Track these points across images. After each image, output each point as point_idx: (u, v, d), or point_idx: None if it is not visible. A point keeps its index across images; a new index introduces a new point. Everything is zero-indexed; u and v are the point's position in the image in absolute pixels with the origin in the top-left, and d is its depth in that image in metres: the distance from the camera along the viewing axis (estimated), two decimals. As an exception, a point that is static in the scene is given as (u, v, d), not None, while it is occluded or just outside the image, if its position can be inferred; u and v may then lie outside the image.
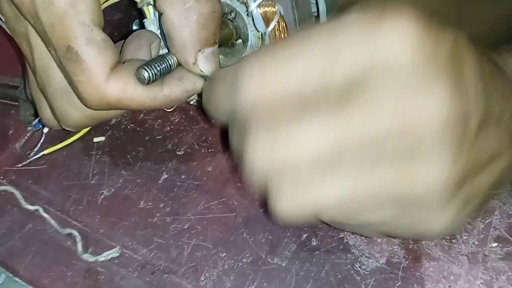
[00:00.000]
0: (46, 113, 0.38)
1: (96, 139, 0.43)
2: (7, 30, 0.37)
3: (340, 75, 0.24)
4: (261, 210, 0.38)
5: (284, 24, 0.36)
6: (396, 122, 0.24)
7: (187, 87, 0.34)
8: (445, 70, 0.24)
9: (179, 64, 0.34)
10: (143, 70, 0.32)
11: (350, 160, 0.25)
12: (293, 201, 0.26)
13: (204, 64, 0.33)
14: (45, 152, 0.42)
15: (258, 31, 0.36)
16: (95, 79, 0.32)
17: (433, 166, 0.24)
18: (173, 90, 0.34)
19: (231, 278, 0.35)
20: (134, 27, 0.39)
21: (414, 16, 0.24)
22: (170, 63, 0.34)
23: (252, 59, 0.26)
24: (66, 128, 0.38)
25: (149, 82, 0.33)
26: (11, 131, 0.44)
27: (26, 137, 0.43)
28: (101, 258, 0.36)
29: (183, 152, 0.42)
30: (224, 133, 0.30)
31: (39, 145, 0.42)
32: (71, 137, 0.42)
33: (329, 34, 0.24)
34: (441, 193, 0.25)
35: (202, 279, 0.35)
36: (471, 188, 0.27)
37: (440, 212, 0.26)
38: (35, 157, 0.42)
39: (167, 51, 0.35)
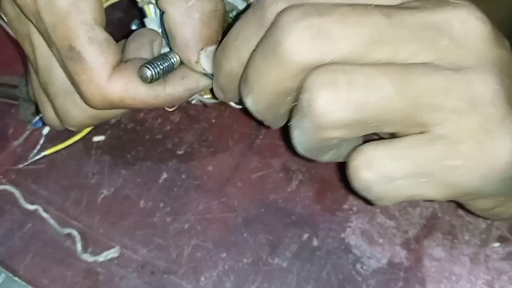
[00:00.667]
0: (49, 113, 0.38)
1: (95, 139, 0.42)
2: (9, 30, 0.37)
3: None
4: (262, 210, 0.38)
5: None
6: (432, 17, 0.25)
7: (190, 86, 0.34)
8: None
9: (181, 63, 0.34)
10: (146, 68, 0.32)
11: (394, 60, 0.24)
12: (338, 98, 0.24)
13: (207, 62, 0.33)
14: (46, 152, 0.42)
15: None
16: (98, 79, 0.32)
17: (483, 77, 0.25)
18: (176, 89, 0.34)
19: (231, 278, 0.35)
20: (134, 27, 0.39)
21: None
22: (173, 61, 0.33)
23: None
24: (69, 128, 0.38)
25: (151, 80, 0.32)
26: (11, 130, 0.44)
27: (26, 137, 0.43)
28: (101, 258, 0.36)
29: (183, 151, 0.41)
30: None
31: (39, 146, 0.42)
32: (72, 137, 0.42)
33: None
34: (497, 97, 0.25)
35: (202, 280, 0.35)
36: None
37: (504, 122, 0.25)
38: (36, 158, 0.42)
39: (169, 49, 0.35)
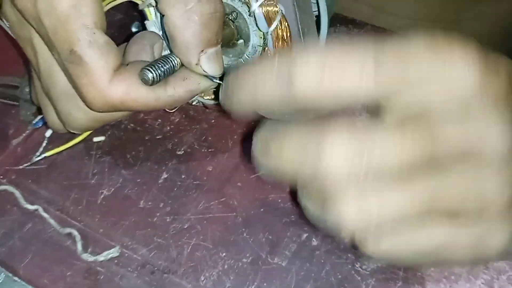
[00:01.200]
0: (51, 116, 0.38)
1: (96, 139, 0.43)
2: (9, 31, 0.37)
3: (403, 84, 0.24)
4: (261, 209, 0.38)
5: (286, 24, 0.36)
6: (464, 143, 0.25)
7: (190, 87, 0.34)
8: (502, 99, 0.25)
9: (182, 65, 0.34)
10: (147, 71, 0.32)
11: (422, 175, 0.25)
12: (390, 247, 0.26)
13: (207, 64, 0.33)
14: (47, 154, 0.42)
15: (260, 30, 0.36)
16: (99, 82, 0.32)
17: (499, 182, 0.26)
18: (177, 91, 0.34)
19: (231, 278, 0.35)
20: (134, 29, 0.39)
21: (476, 49, 0.25)
22: (174, 63, 0.34)
23: (307, 51, 0.25)
24: (71, 131, 0.38)
25: (153, 83, 0.33)
26: (11, 131, 0.44)
27: (26, 137, 0.43)
28: (101, 257, 0.36)
29: (183, 151, 0.42)
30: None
31: (41, 149, 0.42)
32: (73, 138, 0.42)
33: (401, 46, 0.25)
34: (507, 208, 0.26)
35: (202, 279, 0.35)
36: None
37: (500, 225, 0.27)
38: (37, 159, 0.42)
39: (169, 52, 0.35)
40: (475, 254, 0.28)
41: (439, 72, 0.24)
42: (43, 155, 0.42)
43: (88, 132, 0.42)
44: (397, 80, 0.24)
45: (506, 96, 0.25)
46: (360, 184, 0.25)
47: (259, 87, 0.25)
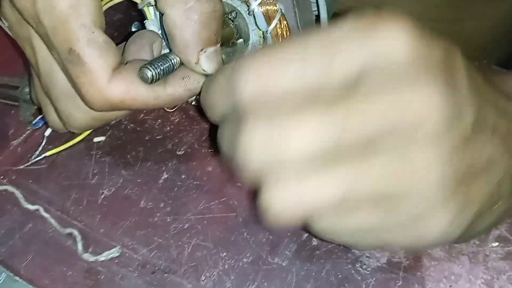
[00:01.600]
0: (51, 116, 0.38)
1: (96, 139, 0.43)
2: (9, 31, 0.37)
3: (336, 73, 0.24)
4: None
5: (285, 22, 0.36)
6: (391, 117, 0.24)
7: (190, 86, 0.34)
8: (437, 71, 0.24)
9: (181, 64, 0.34)
10: (146, 69, 0.32)
11: (345, 157, 0.25)
12: (286, 198, 0.25)
13: (207, 63, 0.33)
14: (47, 154, 0.42)
15: (259, 29, 0.36)
16: (98, 81, 0.32)
17: (428, 160, 0.25)
18: (176, 89, 0.34)
19: (232, 278, 0.35)
20: (133, 29, 0.39)
21: (409, 21, 0.24)
22: (173, 62, 0.34)
23: (250, 57, 0.26)
24: (71, 130, 0.38)
25: (152, 81, 0.33)
26: (11, 131, 0.44)
27: (26, 137, 0.43)
28: (101, 257, 0.36)
29: (183, 152, 0.42)
30: (214, 131, 0.30)
31: (40, 148, 0.42)
32: (73, 138, 0.42)
33: (326, 35, 0.25)
34: (438, 188, 0.25)
35: (203, 279, 0.35)
36: (468, 192, 0.27)
37: (438, 211, 0.26)
38: (37, 159, 0.42)
39: (169, 51, 0.35)
40: (413, 237, 0.27)
41: (366, 48, 0.24)
42: (43, 155, 0.42)
43: (88, 132, 0.42)
44: (325, 72, 0.24)
45: (441, 69, 0.24)
46: (281, 170, 0.25)
47: (216, 98, 0.28)
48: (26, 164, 0.42)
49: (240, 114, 0.26)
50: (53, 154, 0.42)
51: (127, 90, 0.33)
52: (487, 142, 0.27)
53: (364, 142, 0.24)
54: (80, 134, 0.42)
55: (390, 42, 0.24)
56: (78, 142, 0.42)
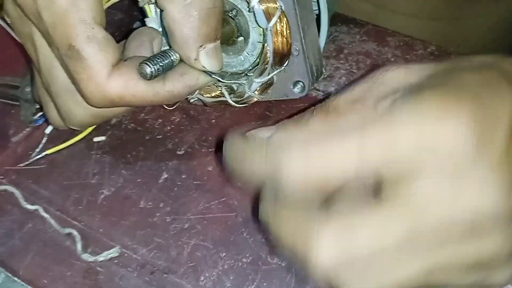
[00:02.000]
0: (52, 113, 0.38)
1: (96, 139, 0.43)
2: (10, 31, 0.37)
3: (394, 165, 0.24)
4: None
5: (286, 20, 0.36)
6: (455, 208, 0.24)
7: (189, 82, 0.34)
8: (499, 167, 0.24)
9: (181, 60, 0.34)
10: (145, 65, 0.32)
11: (417, 247, 0.25)
12: None
13: (206, 59, 0.33)
14: (48, 152, 0.42)
15: (260, 27, 0.36)
16: (97, 77, 0.32)
17: (495, 240, 0.25)
18: (175, 86, 0.34)
19: (231, 278, 0.35)
20: (135, 27, 0.39)
21: (471, 112, 0.24)
22: (172, 59, 0.34)
23: (292, 136, 0.26)
24: (71, 127, 0.38)
25: (151, 77, 0.33)
26: (11, 131, 0.44)
27: (26, 137, 0.43)
28: (101, 257, 0.36)
29: (183, 151, 0.41)
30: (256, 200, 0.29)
31: (41, 145, 0.42)
32: (73, 137, 0.42)
33: (386, 123, 0.24)
34: (505, 257, 0.26)
35: (202, 279, 0.35)
36: None
37: (503, 269, 0.27)
38: (37, 157, 0.42)
39: (168, 48, 0.35)
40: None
41: (429, 142, 0.24)
42: (44, 153, 0.42)
43: (89, 130, 0.42)
44: (383, 158, 0.24)
45: (503, 154, 0.24)
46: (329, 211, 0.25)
47: (249, 166, 0.27)
48: (26, 163, 0.42)
49: (294, 202, 0.25)
50: (54, 152, 0.42)
51: (126, 86, 0.33)
52: None
53: (431, 232, 0.24)
54: (81, 131, 0.42)
55: (452, 138, 0.23)
56: (78, 142, 0.42)
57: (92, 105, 0.34)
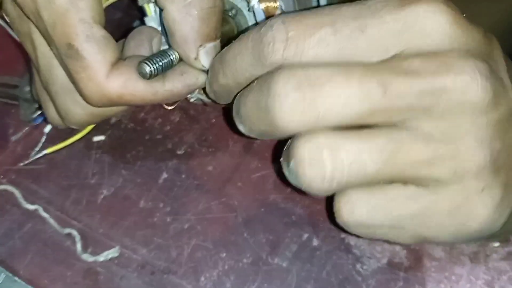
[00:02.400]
0: (51, 112, 0.38)
1: (96, 138, 0.42)
2: (9, 30, 0.37)
3: (368, 45, 0.25)
4: (262, 210, 0.38)
5: (285, 19, 0.35)
6: (434, 91, 0.24)
7: (189, 82, 0.34)
8: (481, 54, 0.25)
9: (180, 59, 0.34)
10: (145, 64, 0.32)
11: (386, 126, 0.25)
12: (321, 163, 0.25)
13: (206, 59, 0.33)
14: (47, 151, 0.42)
15: (260, 26, 0.36)
16: (96, 76, 0.32)
17: (469, 141, 0.25)
18: (175, 85, 0.34)
19: (231, 278, 0.35)
20: (134, 26, 0.39)
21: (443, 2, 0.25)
22: (172, 58, 0.34)
23: (279, 19, 0.26)
24: (70, 126, 0.38)
25: (150, 76, 0.32)
26: (11, 130, 0.44)
27: (26, 137, 0.43)
28: (101, 258, 0.36)
29: (183, 151, 0.41)
30: (229, 112, 0.30)
31: (40, 144, 0.42)
32: (72, 136, 0.42)
33: (359, 8, 0.25)
34: (483, 171, 0.26)
35: (202, 280, 0.35)
36: (509, 177, 0.27)
37: (482, 195, 0.26)
38: (37, 156, 0.42)
39: (168, 47, 0.35)
40: (456, 226, 0.27)
41: (403, 23, 0.24)
42: (43, 152, 0.42)
43: (88, 129, 0.42)
44: (361, 45, 0.25)
45: (483, 53, 0.25)
46: (315, 135, 0.25)
47: (238, 63, 0.28)
48: (26, 162, 0.41)
49: (272, 77, 0.26)
50: (53, 151, 0.42)
51: (125, 85, 0.33)
52: None
53: (405, 113, 0.24)
54: (80, 131, 0.42)
55: (429, 22, 0.24)
56: (77, 142, 0.42)
57: (91, 104, 0.34)
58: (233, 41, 0.29)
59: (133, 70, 0.33)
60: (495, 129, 0.25)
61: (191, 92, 0.36)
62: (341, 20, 0.25)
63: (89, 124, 0.40)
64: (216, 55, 0.33)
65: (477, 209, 0.27)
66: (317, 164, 0.25)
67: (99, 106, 0.34)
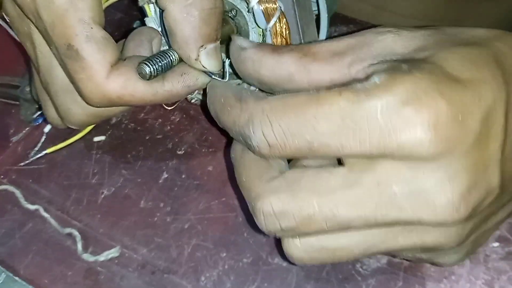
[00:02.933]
0: (50, 111, 0.38)
1: (96, 139, 0.43)
2: (9, 31, 0.37)
3: (353, 147, 0.26)
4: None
5: (285, 20, 0.36)
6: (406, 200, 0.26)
7: (188, 83, 0.34)
8: (463, 171, 0.25)
9: (180, 60, 0.34)
10: (144, 65, 0.32)
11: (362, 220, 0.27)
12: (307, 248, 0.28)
13: (206, 59, 0.33)
14: (47, 151, 0.42)
15: (259, 27, 0.36)
16: (96, 76, 0.32)
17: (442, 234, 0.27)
18: (174, 86, 0.34)
19: (231, 278, 0.35)
20: (135, 26, 0.39)
21: (444, 102, 0.24)
22: (172, 59, 0.34)
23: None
24: (70, 126, 0.38)
25: (150, 77, 0.33)
26: (11, 131, 0.44)
27: (26, 137, 0.43)
28: (101, 257, 0.36)
29: (183, 151, 0.41)
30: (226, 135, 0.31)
31: (40, 144, 0.42)
32: (72, 136, 0.42)
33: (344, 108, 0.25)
34: (449, 248, 0.28)
35: (202, 279, 0.35)
36: (479, 234, 0.29)
37: (453, 254, 0.29)
38: (37, 156, 0.42)
39: (168, 48, 0.35)
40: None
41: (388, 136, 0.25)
42: (43, 152, 0.42)
43: (88, 129, 0.42)
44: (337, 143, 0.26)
45: (467, 166, 0.25)
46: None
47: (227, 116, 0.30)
48: (26, 162, 0.42)
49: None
50: (53, 151, 0.42)
51: (125, 85, 0.33)
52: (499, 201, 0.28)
53: (384, 209, 0.26)
54: (80, 131, 0.42)
55: (412, 137, 0.24)
56: (78, 142, 0.42)
57: (91, 105, 0.34)
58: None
59: (133, 70, 0.33)
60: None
61: (191, 92, 0.36)
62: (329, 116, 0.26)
63: (89, 124, 0.40)
64: (216, 56, 0.33)
65: (449, 260, 0.30)
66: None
67: (98, 106, 0.34)
